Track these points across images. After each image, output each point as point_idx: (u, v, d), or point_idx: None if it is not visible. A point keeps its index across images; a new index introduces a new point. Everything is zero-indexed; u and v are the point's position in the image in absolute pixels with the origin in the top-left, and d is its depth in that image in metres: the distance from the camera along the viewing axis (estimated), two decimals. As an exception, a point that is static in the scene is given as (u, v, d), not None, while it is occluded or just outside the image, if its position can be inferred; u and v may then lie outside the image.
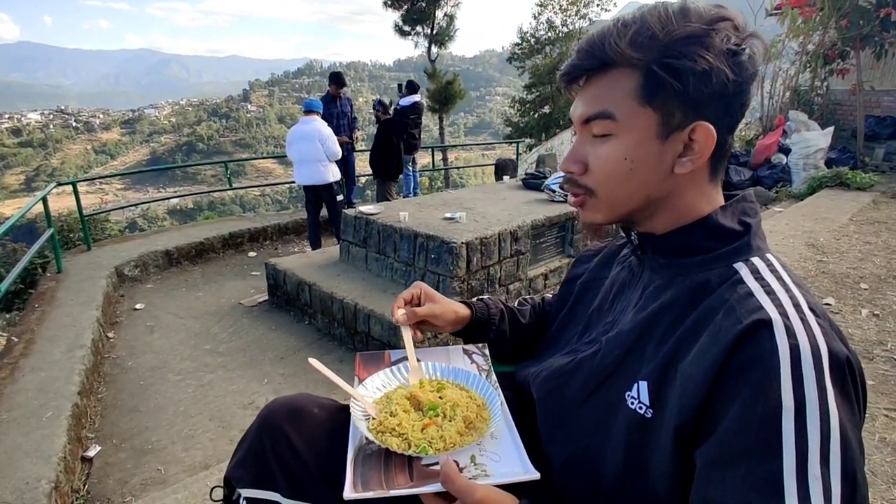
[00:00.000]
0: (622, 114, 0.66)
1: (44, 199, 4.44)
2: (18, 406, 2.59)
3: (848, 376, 0.56)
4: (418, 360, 0.95)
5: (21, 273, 4.76)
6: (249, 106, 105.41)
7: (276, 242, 6.35)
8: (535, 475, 0.68)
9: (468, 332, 1.00)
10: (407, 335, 0.94)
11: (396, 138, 6.55)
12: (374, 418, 0.80)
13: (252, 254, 5.94)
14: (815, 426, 0.52)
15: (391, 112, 6.94)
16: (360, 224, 4.20)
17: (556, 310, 0.97)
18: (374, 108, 6.69)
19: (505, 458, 0.73)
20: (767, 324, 0.56)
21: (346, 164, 6.64)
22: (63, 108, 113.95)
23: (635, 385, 0.67)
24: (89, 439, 2.74)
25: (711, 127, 0.64)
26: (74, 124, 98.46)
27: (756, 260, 0.66)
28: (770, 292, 0.61)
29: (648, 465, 0.64)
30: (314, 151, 5.18)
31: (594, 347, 0.76)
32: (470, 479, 0.66)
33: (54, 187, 4.86)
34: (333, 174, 5.38)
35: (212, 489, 1.07)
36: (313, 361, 0.90)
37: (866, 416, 0.64)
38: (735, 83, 0.63)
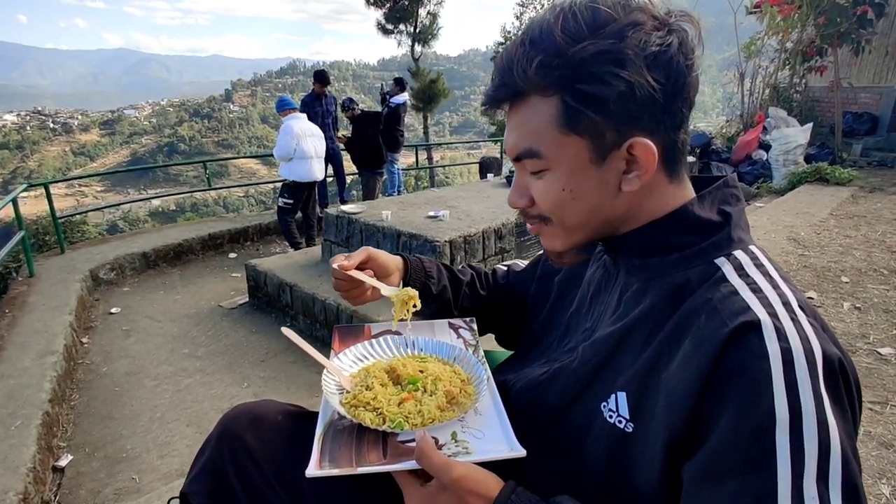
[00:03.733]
0: (547, 149, 0.61)
1: (14, 202, 4.29)
2: (-16, 416, 2.48)
3: (842, 381, 0.52)
4: (397, 333, 0.91)
5: (-8, 277, 4.61)
6: (232, 106, 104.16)
7: (256, 243, 6.24)
8: (521, 452, 0.63)
9: (408, 284, 0.93)
10: (359, 275, 0.85)
11: (373, 132, 6.58)
12: (348, 392, 0.76)
13: (232, 255, 5.83)
14: (812, 439, 0.47)
15: (382, 108, 6.98)
16: (342, 223, 4.13)
17: (536, 305, 0.92)
18: (344, 108, 6.62)
19: (489, 435, 0.68)
20: (755, 326, 0.52)
21: (335, 162, 6.58)
22: (40, 108, 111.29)
23: (612, 396, 0.62)
24: (61, 448, 2.64)
25: (648, 141, 0.59)
26: (52, 125, 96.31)
27: (739, 254, 0.61)
28: (756, 290, 0.56)
29: (633, 482, 0.59)
30: (322, 147, 5.31)
31: (572, 356, 0.72)
32: (450, 455, 0.62)
33: (24, 189, 4.71)
34: None
35: (168, 500, 1.01)
36: (286, 331, 0.87)
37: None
38: (666, 87, 0.57)
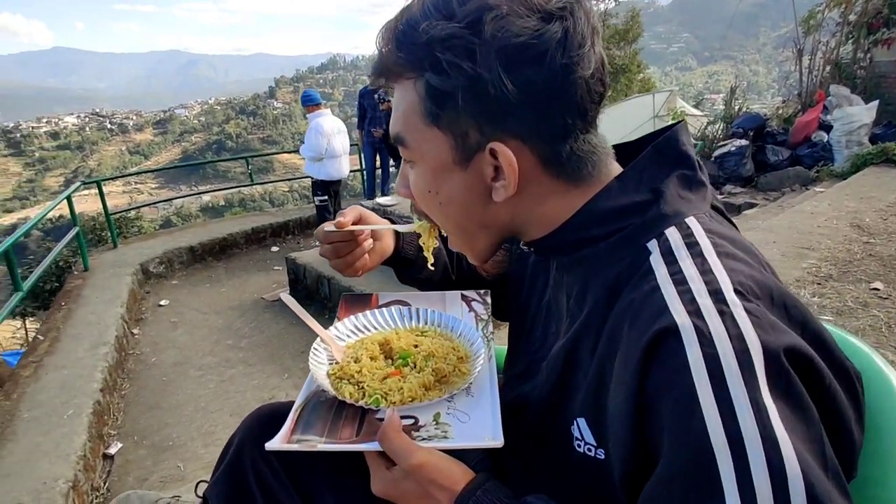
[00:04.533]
0: (412, 139, 0.56)
1: (68, 199, 4.50)
2: (40, 405, 2.60)
3: (797, 374, 0.41)
4: (407, 305, 0.86)
5: (54, 271, 4.88)
6: (275, 103, 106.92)
7: (297, 236, 6.35)
8: (500, 442, 0.57)
9: (398, 256, 0.88)
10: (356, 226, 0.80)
11: None
12: (337, 363, 0.72)
13: (274, 248, 5.95)
14: (759, 464, 0.38)
15: None
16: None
17: (515, 289, 0.82)
18: (381, 100, 6.54)
19: (475, 420, 0.62)
20: (672, 332, 0.43)
21: (381, 156, 6.56)
22: (98, 110, 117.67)
23: (575, 423, 0.55)
24: (111, 436, 2.75)
25: (506, 148, 0.51)
26: (109, 126, 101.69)
27: (671, 232, 0.50)
28: (679, 281, 0.46)
29: None
30: (348, 143, 5.33)
31: (535, 378, 0.64)
32: (424, 439, 0.57)
33: (77, 188, 4.93)
34: None
35: (196, 483, 1.02)
36: (285, 297, 0.84)
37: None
38: (532, 87, 0.49)
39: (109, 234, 5.45)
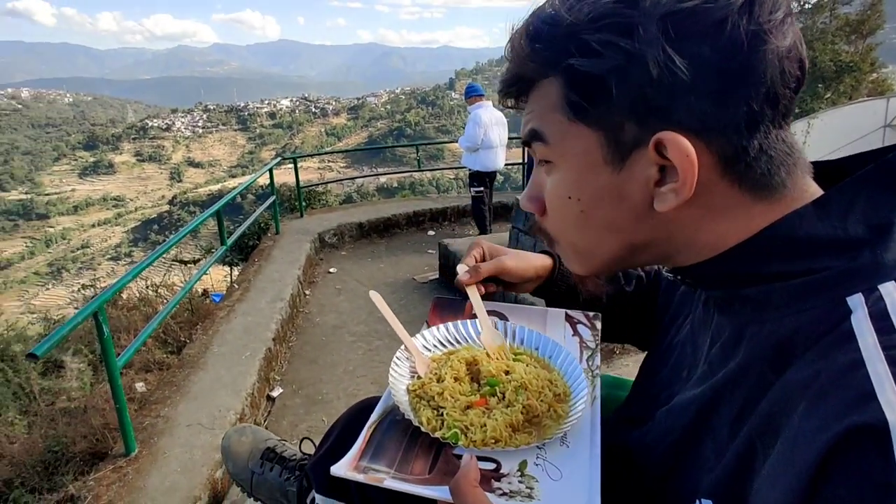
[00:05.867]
0: (553, 134, 0.47)
1: (270, 171, 5.25)
2: (227, 343, 3.10)
3: None
4: (504, 318, 0.76)
5: (255, 231, 5.77)
6: (453, 94, 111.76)
7: (454, 223, 6.58)
8: None
9: (551, 290, 0.79)
10: (474, 296, 0.73)
11: None
12: (419, 378, 0.65)
13: (431, 232, 6.25)
14: None
15: None
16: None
17: (661, 313, 0.70)
18: None
19: (568, 478, 0.52)
20: (878, 433, 0.31)
21: None
22: (306, 95, 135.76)
23: (697, 503, 0.43)
24: (275, 381, 3.16)
25: (681, 139, 0.40)
26: (313, 110, 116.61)
27: (891, 288, 0.37)
28: None
29: None
30: (506, 135, 5.25)
31: (648, 426, 0.53)
32: (505, 494, 0.49)
33: (277, 163, 5.72)
34: None
35: (301, 440, 1.11)
36: (374, 295, 0.78)
37: None
38: (706, 65, 0.39)
39: (298, 204, 6.24)
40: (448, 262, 4.49)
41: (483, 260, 0.77)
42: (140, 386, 2.94)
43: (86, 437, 2.36)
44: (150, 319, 2.62)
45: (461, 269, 0.74)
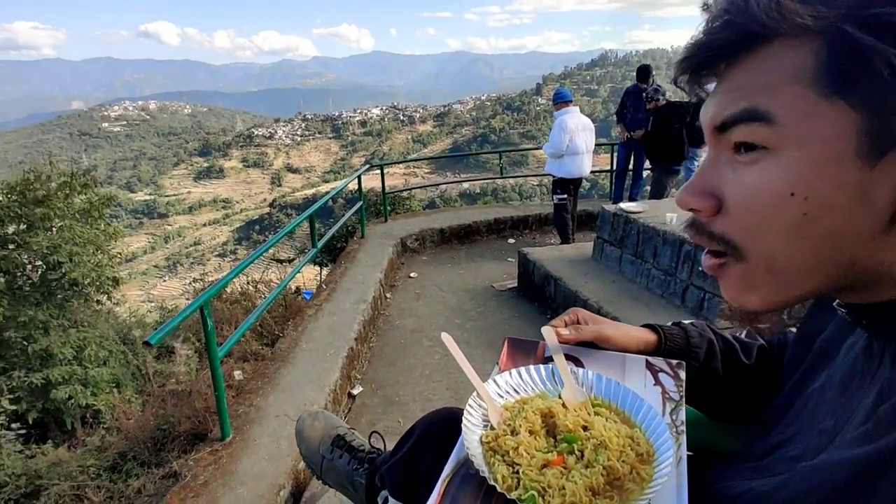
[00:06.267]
0: (786, 113, 0.37)
1: (358, 178, 5.50)
2: (314, 340, 3.28)
3: None
4: (579, 364, 0.72)
5: (344, 234, 6.06)
6: (540, 99, 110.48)
7: (534, 232, 6.49)
8: None
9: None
10: (560, 362, 0.70)
11: (678, 123, 5.87)
12: (492, 429, 0.62)
13: (511, 240, 6.21)
14: None
15: (691, 96, 6.29)
16: (618, 222, 3.91)
17: (786, 373, 0.63)
18: (648, 98, 6.01)
19: None
20: None
21: (637, 158, 6.27)
22: (395, 104, 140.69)
23: None
24: (356, 379, 3.29)
25: None
26: (401, 118, 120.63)
27: None
28: None
29: None
30: (593, 141, 5.15)
31: (784, 477, 0.46)
32: None
33: (367, 169, 5.97)
34: None
35: (371, 433, 1.14)
36: (445, 337, 0.76)
37: None
38: None
39: (383, 209, 6.47)
40: (528, 270, 4.44)
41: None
42: (238, 374, 3.20)
43: (189, 418, 2.61)
44: (249, 313, 2.85)
45: (547, 331, 0.73)
